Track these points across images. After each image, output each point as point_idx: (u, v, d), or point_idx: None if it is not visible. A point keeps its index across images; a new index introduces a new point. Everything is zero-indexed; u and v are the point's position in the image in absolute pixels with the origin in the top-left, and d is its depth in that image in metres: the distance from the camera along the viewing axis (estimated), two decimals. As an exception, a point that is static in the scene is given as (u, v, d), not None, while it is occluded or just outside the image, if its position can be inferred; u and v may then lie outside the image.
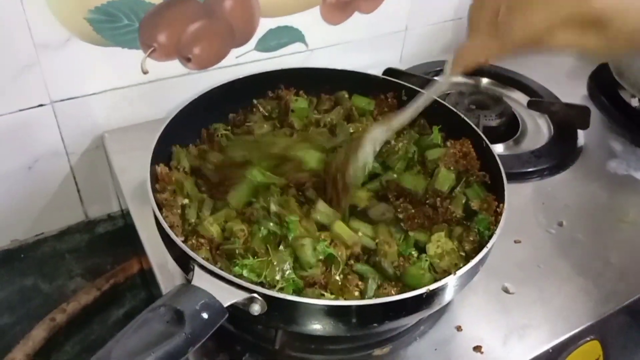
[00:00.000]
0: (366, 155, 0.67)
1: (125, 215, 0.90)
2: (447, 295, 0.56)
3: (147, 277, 0.87)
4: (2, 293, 0.86)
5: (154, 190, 0.62)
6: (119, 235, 0.96)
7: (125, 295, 0.87)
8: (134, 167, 0.82)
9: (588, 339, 0.70)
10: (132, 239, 0.86)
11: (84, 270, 0.90)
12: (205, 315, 0.45)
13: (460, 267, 0.55)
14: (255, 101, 0.81)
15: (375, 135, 0.68)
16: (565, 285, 0.72)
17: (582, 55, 0.56)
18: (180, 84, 0.90)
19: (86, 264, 0.91)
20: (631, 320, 0.74)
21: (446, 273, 0.58)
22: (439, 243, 0.61)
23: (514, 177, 0.87)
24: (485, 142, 0.70)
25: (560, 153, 0.92)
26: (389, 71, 0.99)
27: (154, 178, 0.64)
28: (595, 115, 1.00)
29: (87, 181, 0.92)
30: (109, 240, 0.96)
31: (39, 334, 0.78)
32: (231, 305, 0.50)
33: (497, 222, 0.61)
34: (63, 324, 0.81)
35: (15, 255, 0.91)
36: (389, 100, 0.83)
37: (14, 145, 0.83)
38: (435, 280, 0.54)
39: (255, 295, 0.50)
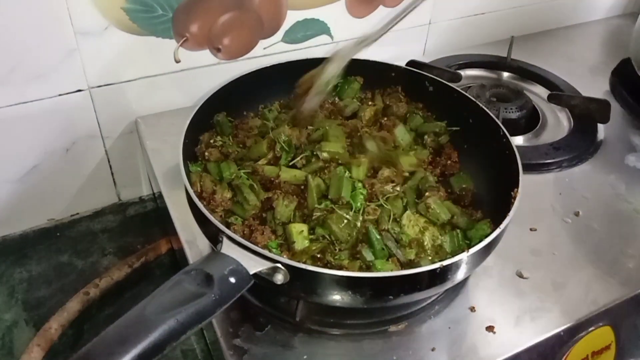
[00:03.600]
0: (332, 70, 0.72)
1: (157, 197, 0.94)
2: (460, 273, 0.58)
3: (176, 257, 0.91)
4: (39, 268, 0.91)
5: (186, 168, 0.66)
6: (149, 218, 1.01)
7: (155, 272, 0.91)
8: (166, 151, 0.86)
9: (600, 324, 0.72)
10: (162, 221, 0.91)
11: (116, 249, 0.95)
12: (232, 280, 0.49)
13: (473, 246, 0.57)
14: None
15: (344, 53, 0.73)
16: (579, 272, 0.74)
17: None
18: (210, 73, 0.94)
19: (118, 243, 0.96)
20: (645, 309, 0.75)
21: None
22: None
23: (533, 168, 0.89)
24: (503, 131, 0.73)
25: (579, 146, 0.93)
26: (412, 63, 1.01)
27: (186, 156, 0.68)
28: (616, 109, 1.01)
29: (120, 165, 0.97)
30: (140, 221, 1.00)
31: (73, 306, 0.82)
32: (256, 275, 0.53)
33: (510, 206, 0.64)
34: (96, 297, 0.85)
35: (52, 234, 0.96)
36: (400, 93, 0.87)
37: (53, 128, 0.87)
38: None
39: (279, 265, 0.53)
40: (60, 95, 0.85)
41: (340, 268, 0.61)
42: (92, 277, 0.87)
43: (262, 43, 0.96)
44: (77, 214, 0.98)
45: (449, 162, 0.78)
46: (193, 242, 0.73)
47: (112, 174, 0.97)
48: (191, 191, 0.59)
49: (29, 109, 0.83)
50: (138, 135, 0.92)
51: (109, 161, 0.95)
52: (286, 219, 0.65)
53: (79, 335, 0.82)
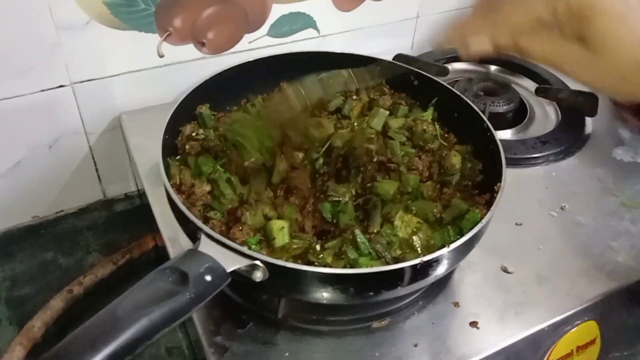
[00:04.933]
0: None
1: (141, 194, 0.94)
2: (441, 268, 0.58)
3: (161, 254, 0.90)
4: (24, 266, 0.90)
5: (165, 163, 0.65)
6: (135, 214, 1.00)
7: (140, 269, 0.90)
8: (149, 147, 0.85)
9: (585, 319, 0.72)
10: (147, 217, 0.90)
11: (101, 246, 0.94)
12: (208, 278, 0.48)
13: (454, 241, 0.57)
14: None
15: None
16: (565, 266, 0.74)
17: (568, 74, 0.51)
18: (195, 68, 0.93)
19: (103, 240, 0.95)
20: (629, 302, 0.75)
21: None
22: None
23: (519, 162, 0.88)
24: (487, 125, 0.72)
25: (566, 139, 0.93)
26: (399, 57, 1.00)
27: (167, 151, 0.67)
28: (604, 103, 1.00)
29: (105, 161, 0.96)
30: (126, 218, 0.99)
31: (56, 304, 0.81)
32: (234, 272, 0.52)
33: (493, 201, 0.63)
34: (80, 295, 0.84)
35: (36, 231, 0.95)
36: (384, 86, 0.86)
37: (35, 124, 0.86)
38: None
39: (257, 262, 0.53)
40: (42, 91, 0.84)
41: (325, 267, 0.60)
42: (77, 275, 0.86)
43: (248, 37, 0.95)
44: (62, 211, 0.98)
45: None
46: (175, 239, 0.72)
47: (96, 170, 0.96)
48: (169, 186, 0.59)
49: (10, 105, 0.82)
50: (122, 130, 0.91)
51: (93, 157, 0.95)
52: (260, 224, 0.64)
53: (63, 333, 0.81)
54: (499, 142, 0.70)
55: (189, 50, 0.92)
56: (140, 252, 0.91)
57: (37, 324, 0.79)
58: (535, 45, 0.49)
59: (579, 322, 0.71)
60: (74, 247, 0.94)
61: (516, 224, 0.79)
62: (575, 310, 0.69)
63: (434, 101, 0.81)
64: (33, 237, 0.95)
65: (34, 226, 0.96)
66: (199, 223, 0.55)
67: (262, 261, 0.53)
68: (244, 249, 0.53)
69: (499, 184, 0.65)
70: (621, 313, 0.76)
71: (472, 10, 0.56)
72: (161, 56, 0.90)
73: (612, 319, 0.74)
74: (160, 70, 0.91)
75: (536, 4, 0.48)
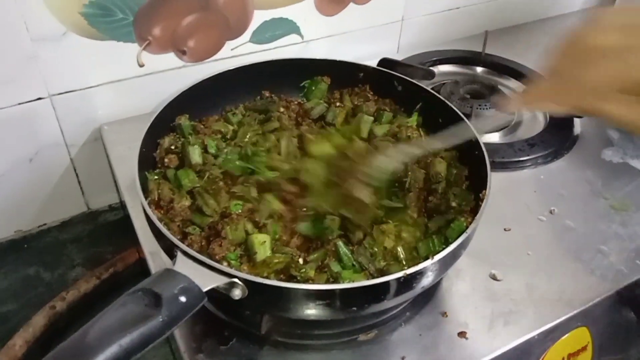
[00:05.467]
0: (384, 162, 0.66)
1: (123, 206, 0.92)
2: (427, 280, 0.57)
3: (144, 267, 0.89)
4: (6, 281, 0.89)
5: (142, 178, 0.64)
6: (119, 226, 0.98)
7: (124, 283, 0.89)
8: (130, 158, 0.82)
9: (576, 325, 0.70)
10: (131, 229, 0.88)
11: (85, 260, 0.92)
12: (183, 299, 0.47)
13: (438, 252, 0.55)
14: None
15: (403, 149, 0.68)
16: (555, 272, 0.72)
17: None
18: (176, 77, 0.92)
19: (87, 253, 0.93)
20: (620, 307, 0.74)
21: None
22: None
23: (507, 166, 0.87)
24: (472, 129, 0.71)
25: (554, 142, 0.91)
26: (384, 61, 0.99)
27: (143, 162, 0.65)
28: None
29: (87, 173, 0.94)
30: (110, 230, 0.98)
31: (39, 321, 0.80)
32: (213, 290, 0.51)
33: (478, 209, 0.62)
34: (63, 311, 0.82)
35: (19, 245, 0.94)
36: (368, 92, 0.84)
37: (15, 138, 0.85)
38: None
39: (236, 280, 0.51)
40: (20, 104, 0.82)
41: (307, 281, 0.59)
42: (60, 290, 0.85)
43: (230, 44, 0.94)
44: (45, 224, 0.96)
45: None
46: (156, 254, 0.71)
47: (79, 182, 0.95)
48: (145, 203, 0.57)
49: (-13, 119, 0.80)
50: (102, 142, 0.90)
51: (75, 170, 0.93)
52: (240, 239, 0.62)
53: (46, 351, 0.78)
54: (484, 148, 0.68)
55: (170, 59, 0.90)
56: (124, 265, 0.89)
57: (19, 342, 0.78)
58: (615, 108, 0.49)
59: (569, 329, 0.70)
60: (58, 261, 0.92)
61: (504, 229, 0.78)
62: (565, 317, 0.68)
63: (418, 107, 0.80)
64: (16, 251, 0.93)
65: (17, 240, 0.94)
66: (175, 240, 0.53)
67: (240, 278, 0.51)
68: (221, 267, 0.52)
69: (484, 191, 0.63)
70: (612, 318, 0.74)
71: (545, 75, 0.55)
72: (141, 66, 0.88)
73: (603, 324, 0.73)
74: (141, 80, 0.90)
75: (614, 70, 0.48)
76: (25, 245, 0.94)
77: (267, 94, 0.83)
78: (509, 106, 0.57)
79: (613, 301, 0.72)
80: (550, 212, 0.81)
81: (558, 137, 0.93)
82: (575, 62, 0.50)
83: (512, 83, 1.06)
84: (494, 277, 0.71)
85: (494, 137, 0.93)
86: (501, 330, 0.65)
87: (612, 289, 0.71)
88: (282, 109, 0.81)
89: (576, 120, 0.97)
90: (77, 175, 0.94)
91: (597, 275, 0.73)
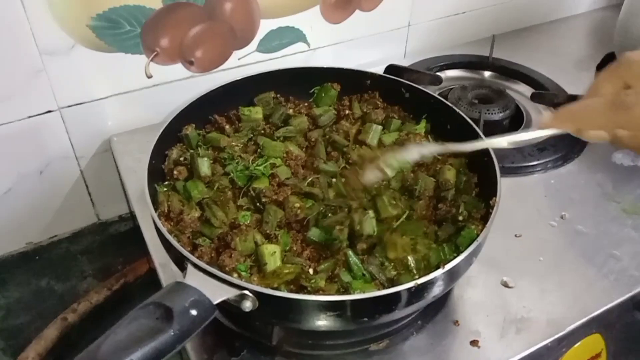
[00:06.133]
0: (402, 156, 0.66)
1: (133, 217, 0.92)
2: (437, 289, 0.56)
3: (155, 277, 0.89)
4: (18, 293, 0.89)
5: (152, 190, 0.64)
6: (129, 236, 0.98)
7: (135, 294, 0.89)
8: (139, 169, 0.83)
9: (590, 332, 0.70)
10: (141, 239, 0.88)
11: (96, 271, 0.93)
12: (194, 312, 0.47)
13: (449, 261, 0.55)
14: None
15: (423, 147, 0.68)
16: (567, 278, 0.72)
17: None
18: (184, 87, 0.92)
19: (98, 264, 0.94)
20: (634, 313, 0.73)
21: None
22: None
23: (516, 171, 0.87)
24: (481, 136, 0.70)
25: (564, 145, 0.91)
26: (391, 68, 0.99)
27: (152, 174, 0.66)
28: (601, 106, 0.98)
29: (97, 184, 0.95)
30: (120, 241, 0.98)
31: (51, 333, 0.80)
32: (223, 302, 0.51)
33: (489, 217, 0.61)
34: (75, 323, 0.83)
35: (30, 257, 0.94)
36: (377, 99, 0.84)
37: (25, 151, 0.85)
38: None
39: (246, 292, 0.51)
40: (29, 117, 0.83)
41: (318, 292, 0.58)
42: (71, 301, 0.85)
43: (237, 54, 0.94)
44: (56, 236, 0.96)
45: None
46: (167, 265, 0.71)
47: (89, 194, 0.95)
48: (155, 216, 0.57)
49: (-2, 133, 0.81)
50: (112, 153, 0.90)
51: (85, 181, 0.93)
52: (250, 250, 0.62)
53: None
54: (493, 154, 0.68)
55: (178, 69, 0.90)
56: (134, 276, 0.90)
57: (32, 355, 0.78)
58: None
59: (583, 335, 0.69)
60: (69, 273, 0.93)
61: (515, 235, 0.77)
62: (579, 323, 0.67)
63: (426, 114, 0.80)
64: (27, 263, 0.94)
65: (28, 252, 0.94)
66: (186, 253, 0.53)
67: (250, 290, 0.51)
68: (232, 279, 0.51)
69: (494, 198, 0.63)
70: (626, 324, 0.74)
71: (598, 103, 0.55)
72: (149, 77, 0.89)
73: (617, 330, 0.73)
74: (150, 91, 0.90)
75: None
76: (37, 257, 0.94)
77: (272, 94, 0.83)
78: (541, 124, 0.57)
79: (627, 306, 0.71)
80: (561, 217, 0.80)
81: (567, 140, 0.92)
82: (627, 88, 0.49)
83: (521, 87, 1.05)
84: (505, 284, 0.71)
85: (503, 142, 0.93)
86: (514, 338, 0.65)
87: (626, 294, 0.70)
88: (290, 111, 0.81)
89: (586, 124, 0.96)
90: (87, 186, 0.94)
91: (610, 280, 0.72)
